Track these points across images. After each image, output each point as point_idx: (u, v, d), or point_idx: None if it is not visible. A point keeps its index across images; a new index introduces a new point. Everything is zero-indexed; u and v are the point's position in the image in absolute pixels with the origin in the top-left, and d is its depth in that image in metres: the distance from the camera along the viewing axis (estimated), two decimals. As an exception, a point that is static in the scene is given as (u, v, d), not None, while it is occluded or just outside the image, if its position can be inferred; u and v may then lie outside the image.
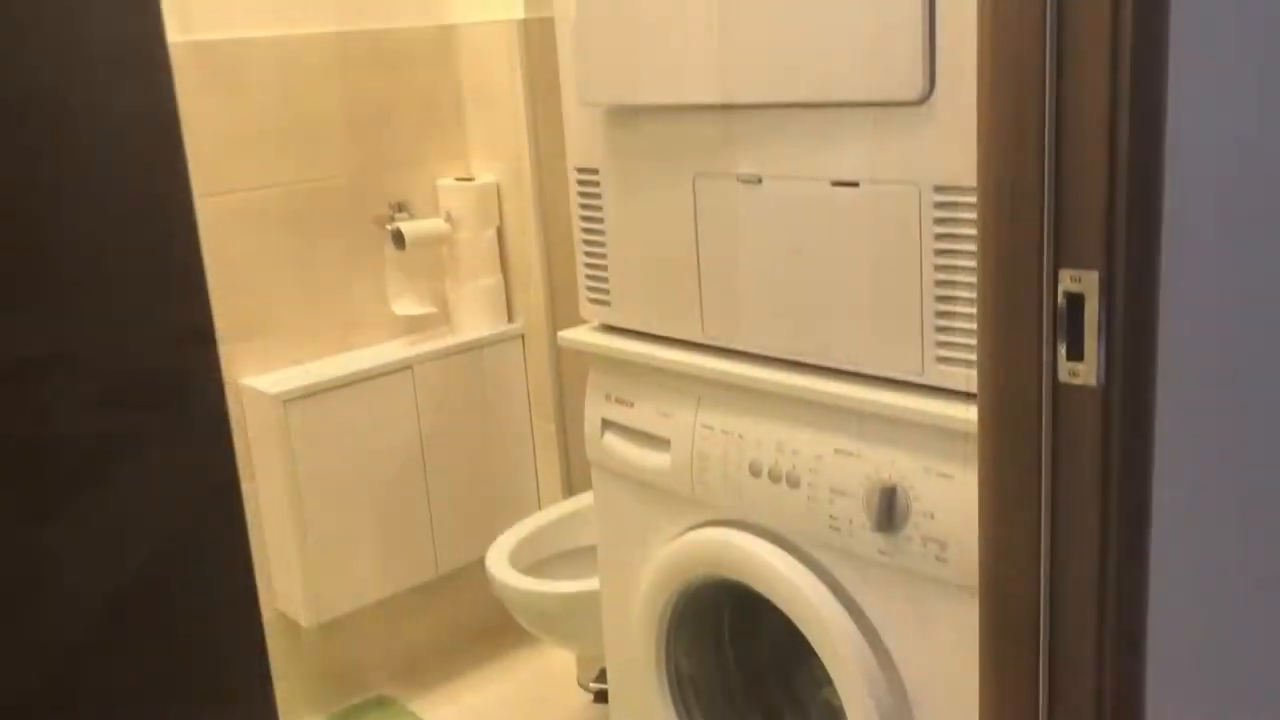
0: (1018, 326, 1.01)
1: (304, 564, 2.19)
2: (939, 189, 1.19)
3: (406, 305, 2.35)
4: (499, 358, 2.44)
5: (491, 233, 2.40)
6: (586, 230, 1.59)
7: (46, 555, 0.74)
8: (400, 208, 2.37)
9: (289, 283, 2.24)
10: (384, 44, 2.31)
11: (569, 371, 2.41)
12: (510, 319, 2.46)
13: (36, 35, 0.70)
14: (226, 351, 2.16)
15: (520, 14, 2.26)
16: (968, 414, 1.22)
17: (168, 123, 0.77)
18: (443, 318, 2.46)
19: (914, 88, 1.17)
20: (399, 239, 2.28)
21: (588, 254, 1.60)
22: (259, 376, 2.19)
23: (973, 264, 1.24)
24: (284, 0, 2.16)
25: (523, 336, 2.46)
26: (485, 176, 2.41)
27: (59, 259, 0.73)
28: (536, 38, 2.26)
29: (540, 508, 2.42)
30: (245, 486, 2.18)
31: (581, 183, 1.58)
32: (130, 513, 0.79)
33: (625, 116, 1.48)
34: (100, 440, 0.77)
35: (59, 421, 0.74)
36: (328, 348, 2.31)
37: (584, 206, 1.59)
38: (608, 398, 1.60)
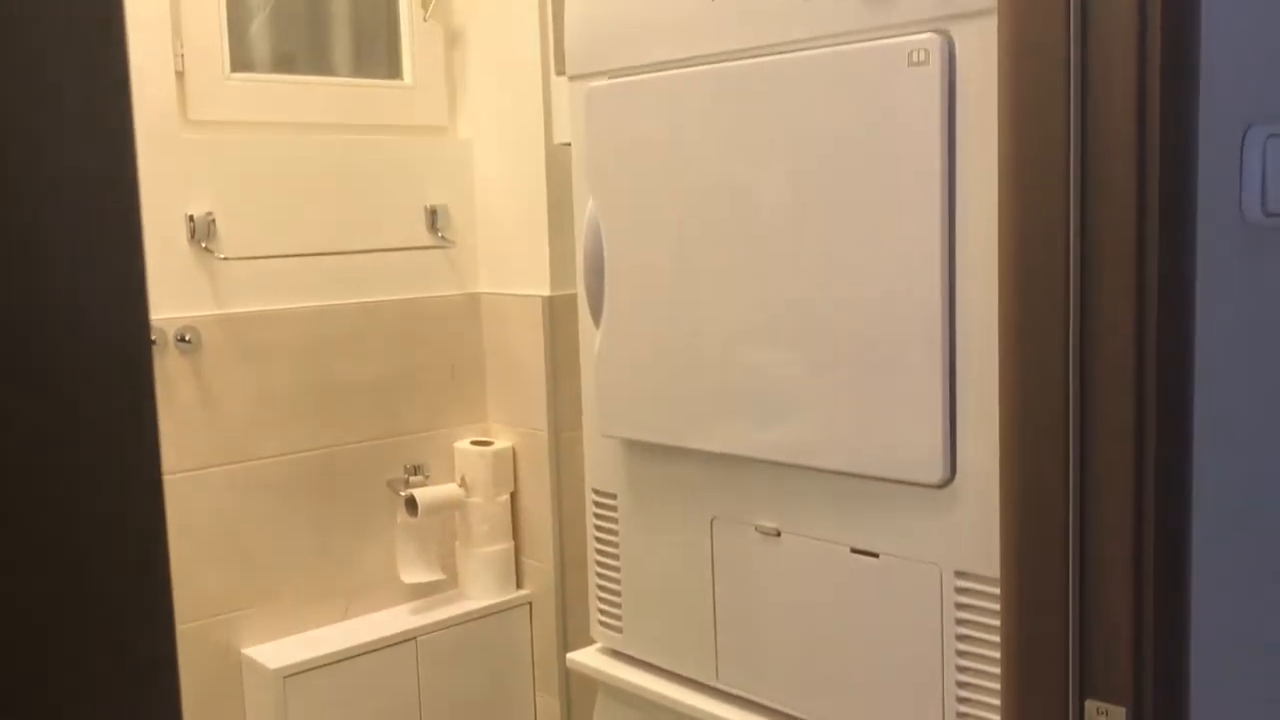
0: (1044, 755, 0.98)
1: (289, 846, 2.09)
2: (960, 574, 1.18)
3: (415, 573, 2.32)
4: (505, 625, 2.39)
5: (505, 498, 2.39)
6: (601, 553, 1.58)
7: None
8: (416, 470, 2.37)
9: (298, 548, 2.22)
10: (410, 311, 2.35)
11: (575, 644, 2.35)
12: (519, 585, 2.42)
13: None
14: (230, 619, 2.14)
15: (546, 290, 2.32)
16: (991, 812, 1.17)
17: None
18: (451, 582, 2.42)
19: (934, 473, 1.17)
20: (412, 506, 2.27)
21: (600, 576, 1.58)
22: (260, 646, 2.15)
23: (996, 654, 1.21)
24: (313, 273, 2.22)
25: (530, 604, 2.42)
26: (502, 441, 2.41)
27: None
28: (561, 312, 2.30)
29: (539, 794, 2.32)
30: (239, 758, 2.12)
31: (598, 505, 1.58)
32: None
33: (645, 449, 1.49)
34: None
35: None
36: (333, 614, 2.27)
37: (599, 529, 1.58)
38: (615, 728, 1.55)
